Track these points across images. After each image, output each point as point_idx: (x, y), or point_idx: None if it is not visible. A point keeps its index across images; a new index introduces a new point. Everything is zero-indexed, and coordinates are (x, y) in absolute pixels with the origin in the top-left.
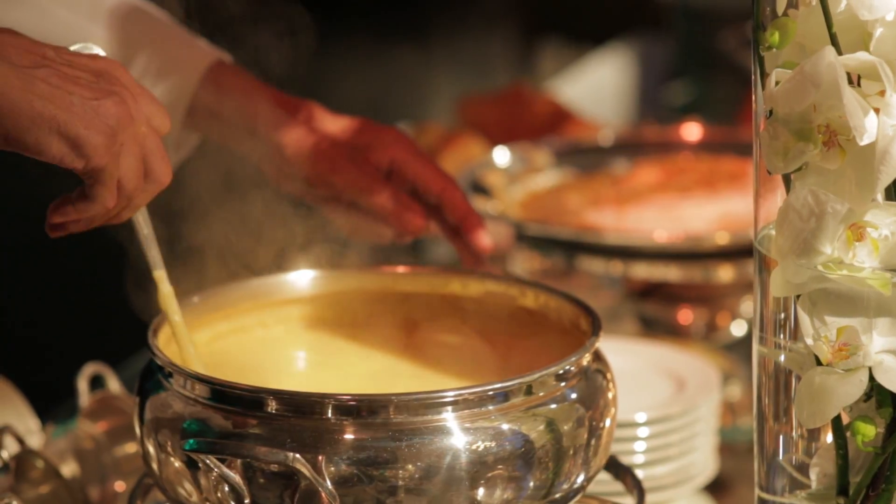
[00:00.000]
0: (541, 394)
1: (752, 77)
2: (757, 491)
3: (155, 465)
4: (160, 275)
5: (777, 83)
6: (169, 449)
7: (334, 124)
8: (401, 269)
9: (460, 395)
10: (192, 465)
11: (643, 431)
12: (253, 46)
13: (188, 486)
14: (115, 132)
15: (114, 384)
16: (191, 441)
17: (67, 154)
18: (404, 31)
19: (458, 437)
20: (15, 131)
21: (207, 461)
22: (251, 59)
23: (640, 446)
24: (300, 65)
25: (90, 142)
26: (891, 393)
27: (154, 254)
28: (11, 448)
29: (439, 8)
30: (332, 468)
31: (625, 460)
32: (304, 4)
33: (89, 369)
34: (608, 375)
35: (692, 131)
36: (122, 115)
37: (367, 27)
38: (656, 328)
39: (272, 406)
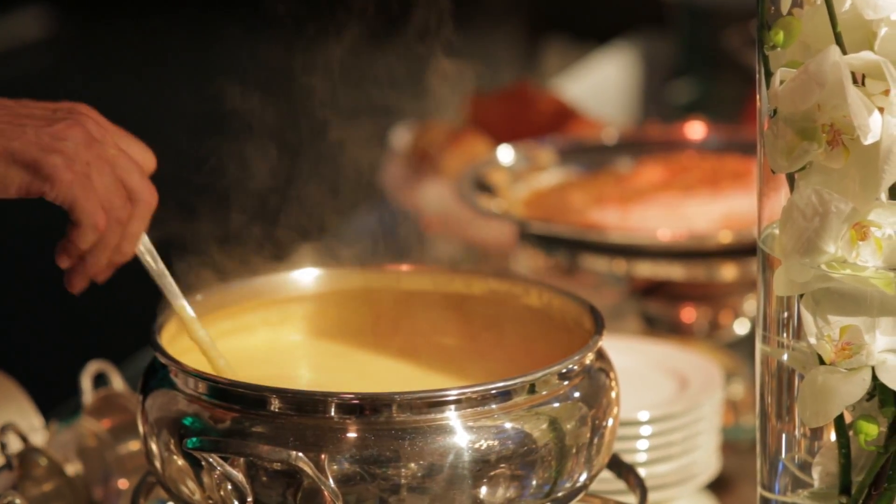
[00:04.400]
0: (544, 392)
1: (757, 76)
2: (759, 490)
3: (158, 464)
4: (181, 305)
5: (781, 82)
6: (172, 447)
7: None
8: (404, 267)
9: (463, 393)
10: (194, 463)
11: (646, 430)
12: (255, 45)
13: (191, 484)
14: (75, 152)
15: (117, 382)
16: (193, 439)
17: (31, 181)
18: (408, 29)
19: (460, 435)
20: None
21: (210, 459)
22: (254, 57)
23: (642, 445)
24: (302, 62)
25: (48, 163)
26: (893, 392)
27: (169, 285)
28: (14, 445)
29: (443, 5)
30: (335, 467)
31: (627, 459)
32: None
33: (93, 367)
34: (611, 374)
35: (696, 130)
36: (80, 136)
37: (370, 24)
38: (659, 327)
39: (275, 404)
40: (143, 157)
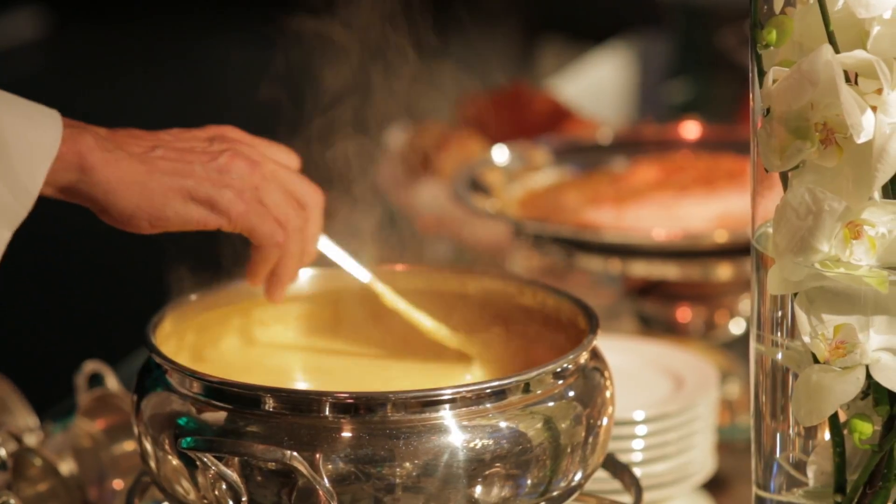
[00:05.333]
0: (538, 392)
1: (750, 75)
2: (754, 489)
3: (152, 463)
4: (372, 282)
5: (774, 81)
6: (166, 447)
7: None
8: (399, 267)
9: (458, 392)
10: (189, 463)
11: (641, 429)
12: (249, 46)
13: (185, 483)
14: (242, 181)
15: (112, 382)
16: (188, 439)
17: (208, 215)
18: (404, 28)
19: (455, 434)
20: (156, 210)
21: (205, 459)
22: (249, 62)
23: (638, 444)
24: (297, 63)
25: (223, 198)
26: (888, 390)
27: (356, 268)
28: (9, 446)
29: (439, 5)
30: (330, 466)
31: (623, 458)
32: (304, 2)
33: (87, 367)
34: (606, 373)
35: (691, 129)
36: (241, 165)
37: (366, 24)
38: (655, 326)
39: (270, 404)
40: (290, 160)
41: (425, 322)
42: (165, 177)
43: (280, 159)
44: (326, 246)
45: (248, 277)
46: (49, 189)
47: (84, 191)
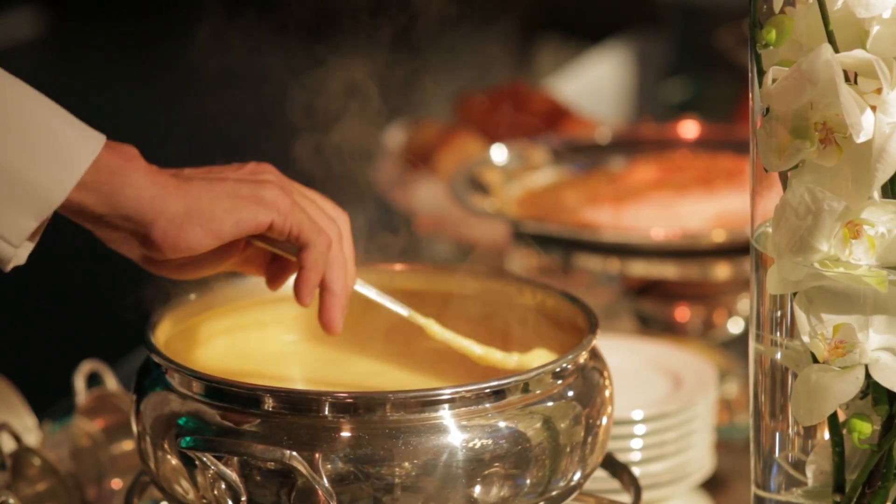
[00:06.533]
0: (538, 391)
1: (749, 75)
2: (753, 488)
3: (152, 463)
4: (412, 316)
5: (774, 81)
6: (165, 446)
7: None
8: (398, 266)
9: (457, 392)
10: (188, 462)
11: (640, 429)
12: (247, 46)
13: (185, 483)
14: (281, 182)
15: (111, 382)
16: (187, 438)
17: (258, 210)
18: (401, 27)
19: (454, 434)
20: (206, 212)
21: (204, 459)
22: (247, 61)
23: (636, 444)
24: (295, 63)
25: (268, 193)
26: (887, 390)
27: (393, 305)
28: (8, 446)
29: (437, 4)
30: (329, 466)
31: (621, 458)
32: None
33: (86, 367)
34: (605, 373)
35: (689, 129)
36: (271, 170)
37: (363, 24)
38: (653, 326)
39: (269, 404)
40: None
41: (474, 349)
42: (204, 183)
43: None
44: (363, 285)
45: (299, 297)
46: (90, 196)
47: (129, 195)
